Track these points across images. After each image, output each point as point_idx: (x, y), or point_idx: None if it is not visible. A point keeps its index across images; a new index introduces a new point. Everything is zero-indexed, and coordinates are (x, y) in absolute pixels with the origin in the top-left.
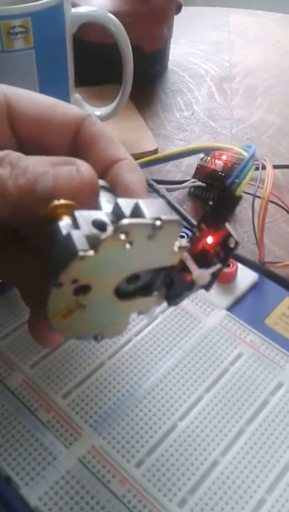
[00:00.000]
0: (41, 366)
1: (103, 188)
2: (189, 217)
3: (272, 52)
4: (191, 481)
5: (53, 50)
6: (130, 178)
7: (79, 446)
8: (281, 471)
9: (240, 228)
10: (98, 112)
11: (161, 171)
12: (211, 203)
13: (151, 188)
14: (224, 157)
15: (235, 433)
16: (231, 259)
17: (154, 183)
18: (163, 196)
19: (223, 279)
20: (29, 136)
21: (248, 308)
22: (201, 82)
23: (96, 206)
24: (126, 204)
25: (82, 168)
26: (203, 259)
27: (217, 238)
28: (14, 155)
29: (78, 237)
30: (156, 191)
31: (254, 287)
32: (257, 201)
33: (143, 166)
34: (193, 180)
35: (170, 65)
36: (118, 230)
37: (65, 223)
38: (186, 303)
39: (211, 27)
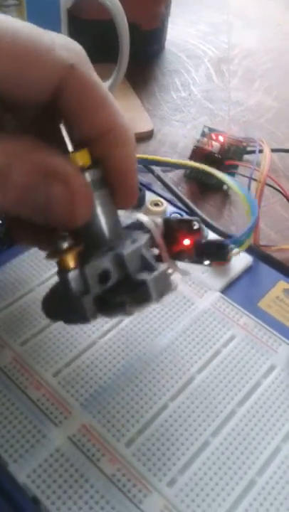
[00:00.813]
0: (31, 344)
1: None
2: (185, 198)
3: (272, 35)
4: (181, 461)
5: (46, 24)
6: (119, 156)
7: (69, 425)
8: (272, 453)
9: (236, 211)
10: None
11: (157, 152)
12: (203, 241)
13: (146, 169)
14: (221, 138)
15: (227, 414)
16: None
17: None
18: (158, 177)
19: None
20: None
21: (241, 290)
22: (198, 63)
23: (94, 221)
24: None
25: (75, 187)
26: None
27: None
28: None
29: (88, 302)
30: (152, 172)
31: (248, 270)
32: (253, 184)
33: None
34: (188, 161)
35: (167, 44)
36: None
37: (73, 276)
38: (180, 285)
39: (210, 7)
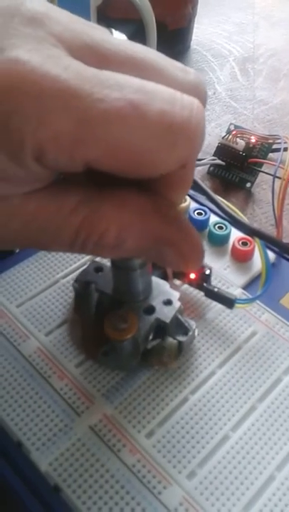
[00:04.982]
0: (56, 334)
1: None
2: (210, 191)
3: None
4: (201, 454)
5: None
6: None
7: (91, 415)
8: None
9: (259, 209)
10: None
11: None
12: (216, 289)
13: None
14: (247, 136)
15: (247, 409)
16: (249, 238)
17: None
18: None
19: (240, 258)
20: None
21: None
22: (223, 62)
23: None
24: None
25: (186, 252)
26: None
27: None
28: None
29: (136, 361)
30: None
31: (271, 267)
32: (277, 182)
33: None
34: (212, 157)
35: (193, 44)
36: None
37: (128, 343)
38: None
39: (236, 8)
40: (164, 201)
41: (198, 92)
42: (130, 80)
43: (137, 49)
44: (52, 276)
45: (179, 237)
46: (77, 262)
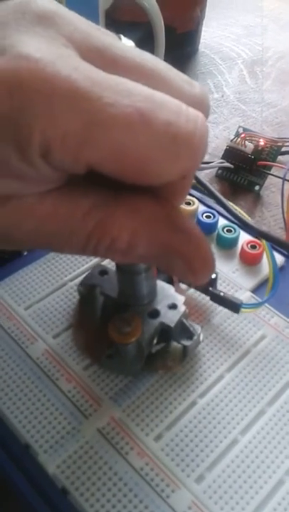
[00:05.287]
0: (63, 337)
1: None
2: (218, 194)
3: None
4: (210, 458)
5: None
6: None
7: (98, 417)
8: None
9: (268, 212)
10: None
11: None
12: (222, 294)
13: None
14: (255, 139)
15: (256, 413)
16: (258, 241)
17: None
18: None
19: (249, 261)
20: None
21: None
22: (232, 65)
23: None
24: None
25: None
26: None
27: None
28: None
29: (140, 364)
30: None
31: (280, 270)
32: (286, 185)
33: None
34: (221, 160)
35: (201, 47)
36: None
37: (132, 347)
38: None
39: (244, 11)
40: (175, 210)
41: (203, 106)
42: (139, 87)
43: (145, 57)
44: (60, 279)
45: (188, 249)
46: (85, 265)
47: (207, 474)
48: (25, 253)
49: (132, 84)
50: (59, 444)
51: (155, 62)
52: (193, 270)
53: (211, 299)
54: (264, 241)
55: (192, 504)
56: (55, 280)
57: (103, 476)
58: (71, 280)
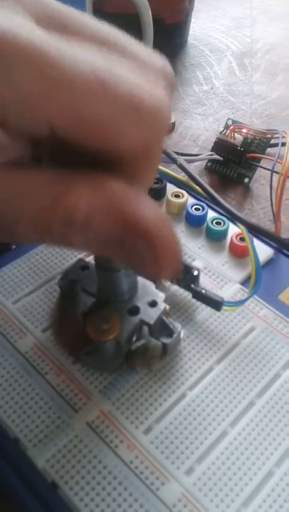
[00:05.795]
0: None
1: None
2: (208, 187)
3: None
4: (199, 450)
5: None
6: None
7: (88, 411)
8: None
9: (257, 205)
10: None
11: (177, 145)
12: (204, 291)
13: (169, 158)
14: (244, 131)
15: (245, 405)
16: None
17: (173, 153)
18: (181, 166)
19: (238, 253)
20: None
21: (262, 283)
22: (221, 57)
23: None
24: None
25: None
26: None
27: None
28: None
29: (119, 361)
30: (174, 161)
31: (269, 262)
32: (275, 177)
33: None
34: (210, 153)
35: (190, 39)
36: None
37: (110, 345)
38: (200, 276)
39: (234, 2)
40: (140, 189)
41: (166, 74)
42: (101, 59)
43: (107, 28)
44: (48, 273)
45: (153, 231)
46: (74, 259)
47: (197, 466)
48: (14, 247)
49: (93, 54)
50: (48, 438)
51: (118, 33)
52: (156, 253)
53: (193, 296)
54: (248, 238)
55: (182, 496)
56: (44, 274)
57: (93, 470)
58: (60, 274)
